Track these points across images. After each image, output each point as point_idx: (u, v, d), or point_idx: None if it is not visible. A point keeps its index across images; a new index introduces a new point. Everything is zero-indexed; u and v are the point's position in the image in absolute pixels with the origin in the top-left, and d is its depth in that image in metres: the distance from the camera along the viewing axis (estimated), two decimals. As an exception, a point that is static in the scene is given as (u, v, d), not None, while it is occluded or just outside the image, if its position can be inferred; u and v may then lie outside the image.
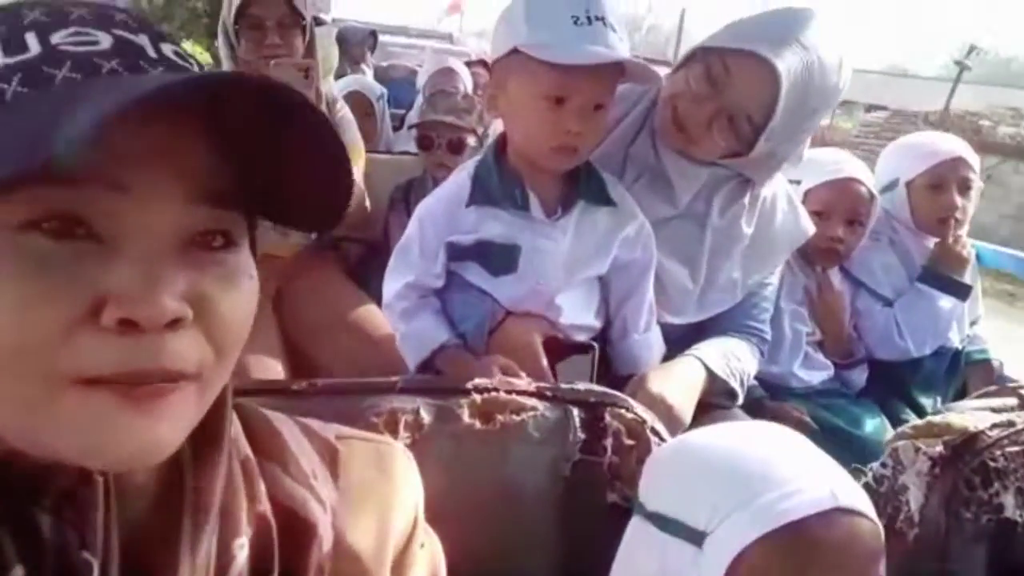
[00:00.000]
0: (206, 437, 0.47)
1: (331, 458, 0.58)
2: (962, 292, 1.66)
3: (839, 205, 1.58)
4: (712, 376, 1.23)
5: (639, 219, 1.21)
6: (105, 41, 0.42)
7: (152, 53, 0.43)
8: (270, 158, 0.44)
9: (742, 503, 0.63)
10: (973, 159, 1.67)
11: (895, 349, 1.66)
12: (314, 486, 0.54)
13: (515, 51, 1.09)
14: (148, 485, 0.46)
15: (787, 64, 1.13)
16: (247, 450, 0.52)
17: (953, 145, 1.69)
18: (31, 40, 0.41)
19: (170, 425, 0.41)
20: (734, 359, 1.27)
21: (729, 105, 1.17)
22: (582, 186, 1.17)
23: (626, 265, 1.20)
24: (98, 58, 0.41)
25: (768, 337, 1.36)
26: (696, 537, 0.64)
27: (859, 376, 1.66)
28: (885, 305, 1.69)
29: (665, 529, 0.68)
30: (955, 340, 1.73)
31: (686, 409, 1.17)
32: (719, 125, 1.18)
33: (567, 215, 1.16)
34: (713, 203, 1.28)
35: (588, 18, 1.06)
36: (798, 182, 1.58)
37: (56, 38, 0.42)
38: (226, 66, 1.85)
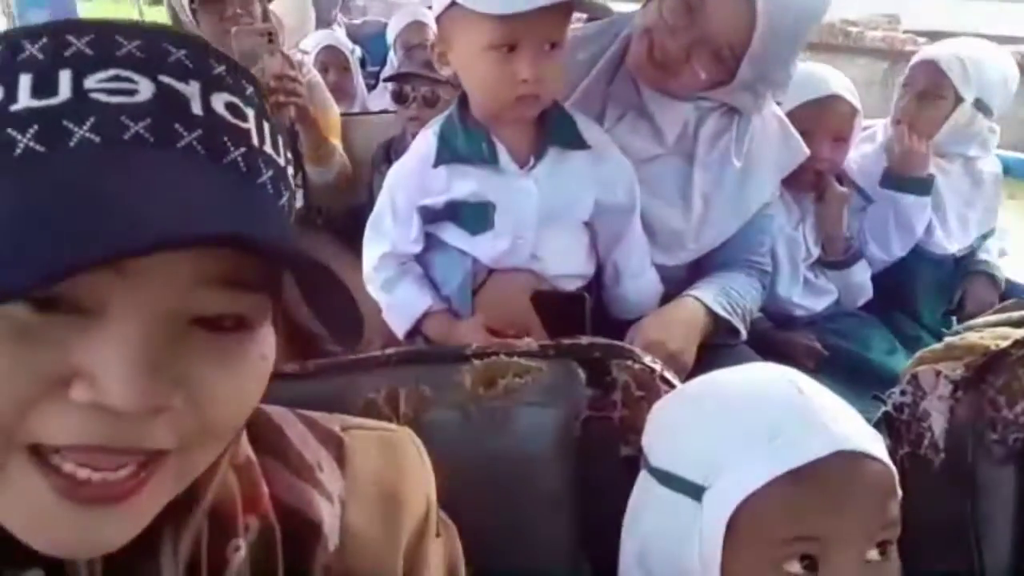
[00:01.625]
0: None
1: (337, 449, 0.55)
2: (918, 188, 1.61)
3: (823, 124, 1.53)
4: (713, 316, 1.20)
5: (617, 159, 1.16)
6: (145, 90, 0.38)
7: (197, 109, 0.39)
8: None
9: (739, 454, 0.61)
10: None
11: (871, 260, 1.64)
12: (320, 479, 0.52)
13: (454, 4, 1.02)
14: None
15: None
16: (248, 451, 0.50)
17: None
18: (63, 80, 0.38)
19: (131, 518, 0.39)
20: (735, 294, 1.24)
21: (707, 34, 1.11)
22: (553, 131, 1.12)
23: (609, 208, 1.16)
24: (127, 117, 0.37)
25: (769, 269, 1.33)
26: (695, 492, 0.62)
27: (862, 275, 1.62)
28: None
29: (666, 484, 0.66)
30: (944, 246, 1.68)
31: (688, 353, 1.14)
32: (698, 55, 1.13)
33: (539, 163, 1.11)
34: (699, 138, 1.23)
35: None
36: (779, 102, 1.53)
37: (91, 81, 0.38)
38: None
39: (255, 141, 0.41)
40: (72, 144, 0.37)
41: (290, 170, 0.44)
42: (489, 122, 1.11)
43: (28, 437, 0.36)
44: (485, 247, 1.12)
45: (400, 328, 1.17)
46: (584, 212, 1.15)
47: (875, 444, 0.63)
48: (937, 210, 1.66)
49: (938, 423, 0.78)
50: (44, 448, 0.36)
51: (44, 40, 0.38)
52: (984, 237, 1.77)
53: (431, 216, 1.13)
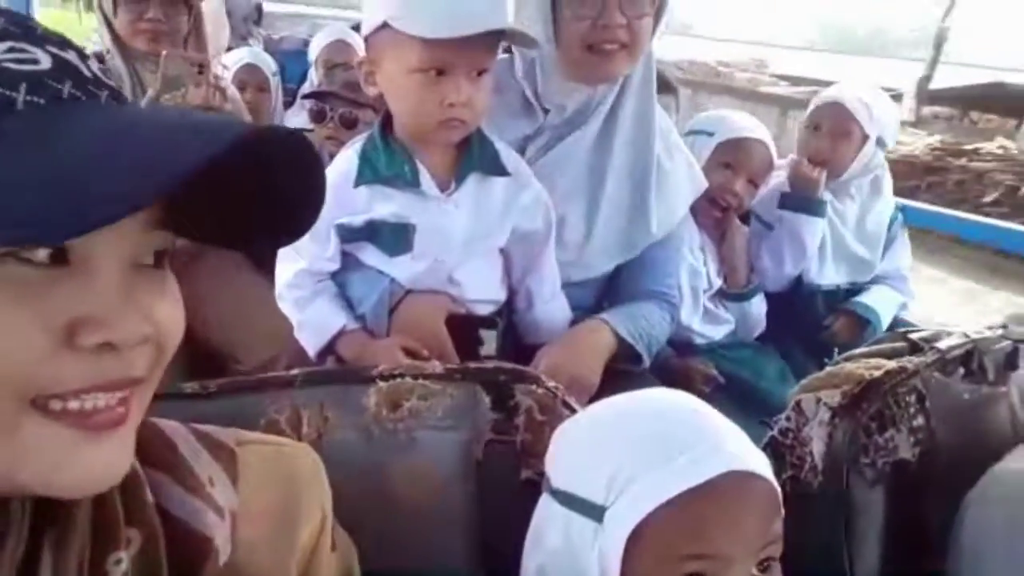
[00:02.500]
0: None
1: (230, 463, 0.55)
2: (813, 209, 1.73)
3: (747, 162, 1.64)
4: (618, 339, 1.24)
5: (535, 187, 1.20)
6: (44, 60, 0.41)
7: (87, 72, 0.43)
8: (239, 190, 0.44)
9: (638, 475, 0.63)
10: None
11: (767, 278, 1.74)
12: (211, 494, 0.52)
13: (386, 25, 1.04)
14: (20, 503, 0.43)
15: None
16: (134, 463, 0.49)
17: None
18: None
19: (124, 450, 0.44)
20: (643, 322, 1.28)
21: None
22: (474, 156, 1.14)
23: (526, 235, 1.19)
24: (50, 79, 0.40)
25: (677, 302, 1.38)
26: (596, 512, 0.65)
27: (759, 308, 1.71)
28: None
29: (568, 505, 0.68)
30: (823, 277, 1.79)
31: (592, 376, 1.18)
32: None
33: (460, 188, 1.13)
34: (622, 109, 1.27)
35: None
36: (711, 134, 1.62)
37: None
38: (105, 40, 1.74)
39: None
40: (20, 108, 0.39)
41: None
42: (412, 144, 1.12)
43: (29, 392, 0.39)
44: (403, 268, 1.13)
45: (313, 346, 1.16)
46: (502, 238, 1.17)
47: (763, 464, 0.67)
48: (821, 246, 1.77)
49: (817, 448, 0.84)
50: (40, 399, 0.40)
51: None
52: (877, 280, 1.86)
53: (349, 235, 1.13)
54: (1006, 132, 7.03)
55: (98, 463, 0.42)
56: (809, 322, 1.79)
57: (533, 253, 1.21)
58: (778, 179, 1.79)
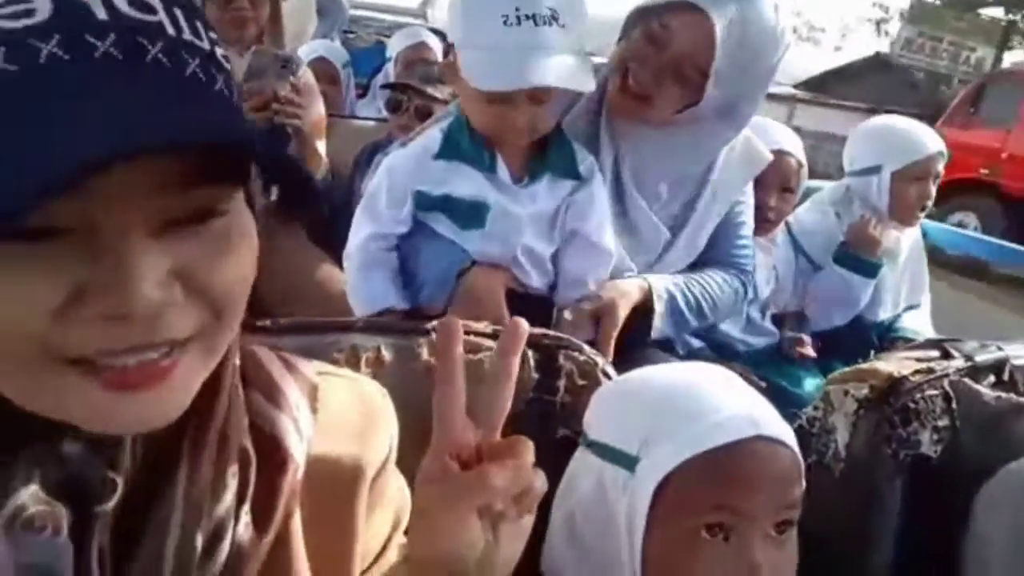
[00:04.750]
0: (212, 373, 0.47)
1: (311, 392, 0.59)
2: (869, 271, 1.76)
3: (772, 175, 1.64)
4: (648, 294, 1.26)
5: (603, 196, 1.24)
6: (43, 8, 0.37)
7: (102, 14, 0.38)
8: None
9: (671, 431, 0.68)
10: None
11: (813, 323, 1.78)
12: (297, 417, 0.56)
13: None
14: None
15: (720, 9, 1.17)
16: (239, 383, 0.53)
17: (936, 139, 1.80)
18: None
19: (173, 396, 0.43)
20: (696, 286, 1.31)
21: (674, 59, 1.21)
22: (551, 156, 1.19)
23: (576, 234, 1.22)
24: (35, 39, 0.36)
25: (750, 268, 1.39)
26: (629, 462, 0.70)
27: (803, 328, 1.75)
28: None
29: (602, 456, 0.73)
30: (879, 314, 1.84)
31: (617, 309, 1.21)
32: (668, 78, 1.22)
33: (534, 184, 1.18)
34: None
35: (518, 18, 1.05)
36: None
37: None
38: None
39: (171, 31, 0.40)
40: None
41: (219, 50, 0.43)
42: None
43: (59, 352, 0.39)
44: (473, 242, 1.18)
45: (360, 312, 1.22)
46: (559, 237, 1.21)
47: (789, 434, 0.72)
48: (879, 286, 1.81)
49: (842, 436, 0.87)
50: (88, 358, 0.40)
51: None
52: (912, 307, 1.92)
53: (426, 203, 1.18)
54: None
55: (135, 414, 0.41)
56: (858, 347, 1.80)
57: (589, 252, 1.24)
58: (822, 212, 1.82)
